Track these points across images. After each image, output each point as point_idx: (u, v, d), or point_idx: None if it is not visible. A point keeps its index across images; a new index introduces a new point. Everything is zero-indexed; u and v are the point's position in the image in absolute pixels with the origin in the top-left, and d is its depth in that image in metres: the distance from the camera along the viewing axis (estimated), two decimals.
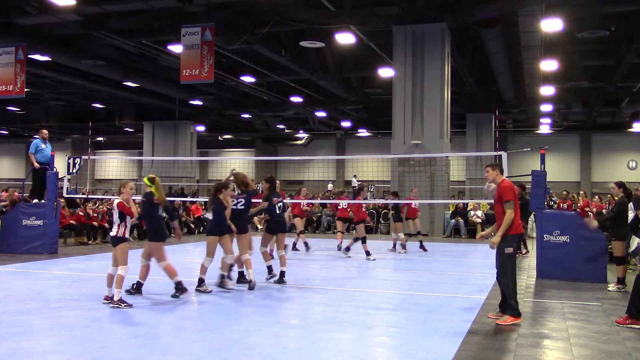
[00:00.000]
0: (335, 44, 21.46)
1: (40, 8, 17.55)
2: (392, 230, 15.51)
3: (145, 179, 7.96)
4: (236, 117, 38.57)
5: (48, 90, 30.67)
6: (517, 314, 6.79)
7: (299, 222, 14.74)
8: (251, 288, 8.66)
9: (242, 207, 9.02)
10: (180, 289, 7.90)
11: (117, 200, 7.62)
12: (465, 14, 18.01)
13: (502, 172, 7.36)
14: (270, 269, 9.40)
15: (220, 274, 8.85)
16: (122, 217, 7.50)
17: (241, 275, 9.31)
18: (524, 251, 14.41)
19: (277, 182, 10.29)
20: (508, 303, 6.81)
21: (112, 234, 7.64)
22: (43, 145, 13.86)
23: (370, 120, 37.70)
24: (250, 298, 8.30)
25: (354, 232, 14.55)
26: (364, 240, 13.30)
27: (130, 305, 7.30)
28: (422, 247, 14.99)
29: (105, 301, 7.47)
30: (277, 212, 9.51)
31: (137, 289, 8.11)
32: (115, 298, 7.32)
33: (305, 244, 14.46)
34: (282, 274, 9.36)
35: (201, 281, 8.52)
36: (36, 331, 6.25)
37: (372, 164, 30.62)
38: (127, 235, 7.59)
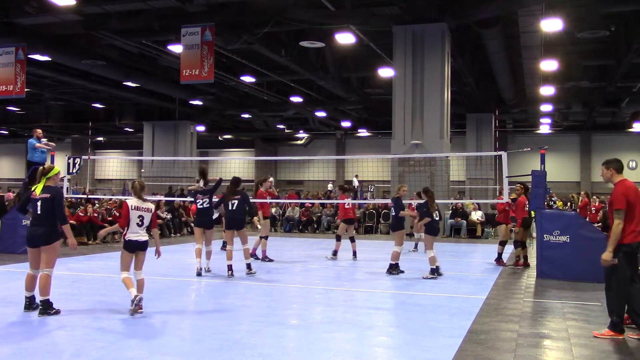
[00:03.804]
0: (335, 44, 21.45)
1: (40, 8, 17.55)
2: (415, 231, 15.49)
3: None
4: (236, 117, 38.56)
5: (48, 90, 30.67)
6: (619, 329, 6.15)
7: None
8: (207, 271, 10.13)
9: (207, 205, 10.29)
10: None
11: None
12: (465, 14, 18.00)
13: (618, 170, 6.36)
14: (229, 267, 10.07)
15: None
16: None
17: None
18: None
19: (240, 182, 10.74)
20: (610, 318, 6.23)
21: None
22: (37, 144, 13.84)
23: (370, 120, 37.70)
24: (250, 298, 8.31)
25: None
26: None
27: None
28: (525, 261, 12.28)
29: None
30: (231, 209, 10.23)
31: None
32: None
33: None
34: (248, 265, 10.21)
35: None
36: (36, 331, 6.25)
37: (372, 164, 30.65)
38: None
